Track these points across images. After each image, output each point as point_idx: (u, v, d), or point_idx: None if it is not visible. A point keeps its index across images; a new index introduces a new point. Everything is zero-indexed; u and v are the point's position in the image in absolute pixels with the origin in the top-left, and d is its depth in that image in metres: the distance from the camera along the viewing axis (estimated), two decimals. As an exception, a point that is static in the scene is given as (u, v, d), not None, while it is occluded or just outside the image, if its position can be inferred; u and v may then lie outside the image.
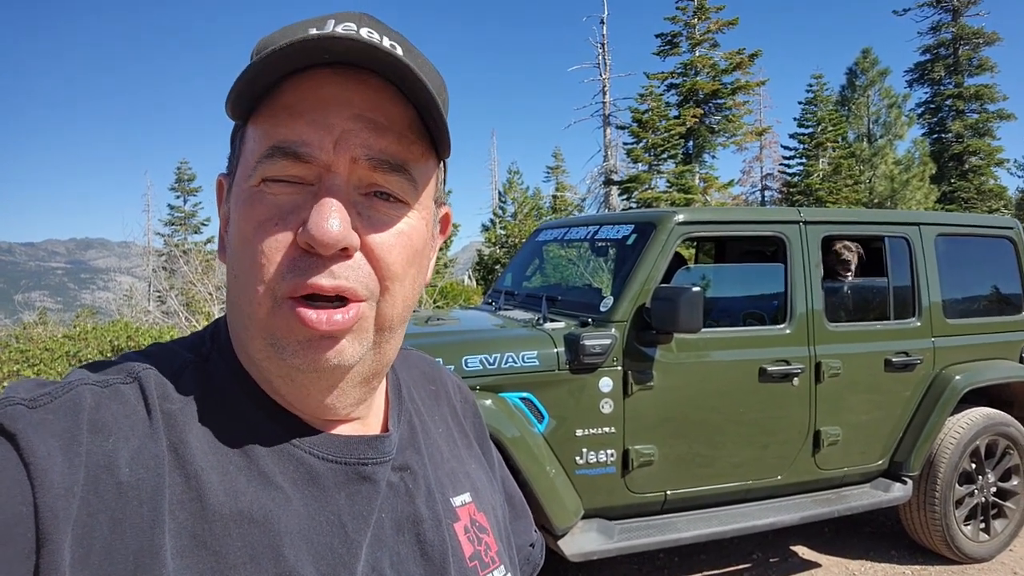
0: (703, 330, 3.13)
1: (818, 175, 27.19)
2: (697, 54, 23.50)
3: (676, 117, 21.89)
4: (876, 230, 3.90)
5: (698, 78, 23.06)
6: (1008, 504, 3.98)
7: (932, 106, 31.08)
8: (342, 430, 0.63)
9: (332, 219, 0.52)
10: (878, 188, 26.42)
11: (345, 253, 0.54)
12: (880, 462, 3.77)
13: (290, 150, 0.54)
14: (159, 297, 24.06)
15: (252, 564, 0.51)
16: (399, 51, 0.55)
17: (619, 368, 3.14)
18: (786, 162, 30.65)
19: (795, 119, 29.74)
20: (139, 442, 0.51)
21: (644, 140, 20.45)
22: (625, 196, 20.45)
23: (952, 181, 28.80)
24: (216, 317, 0.73)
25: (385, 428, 0.67)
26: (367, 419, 0.66)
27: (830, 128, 27.68)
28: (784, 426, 3.49)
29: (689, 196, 19.67)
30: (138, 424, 0.52)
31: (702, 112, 22.67)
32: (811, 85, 29.36)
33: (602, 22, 22.31)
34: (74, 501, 0.46)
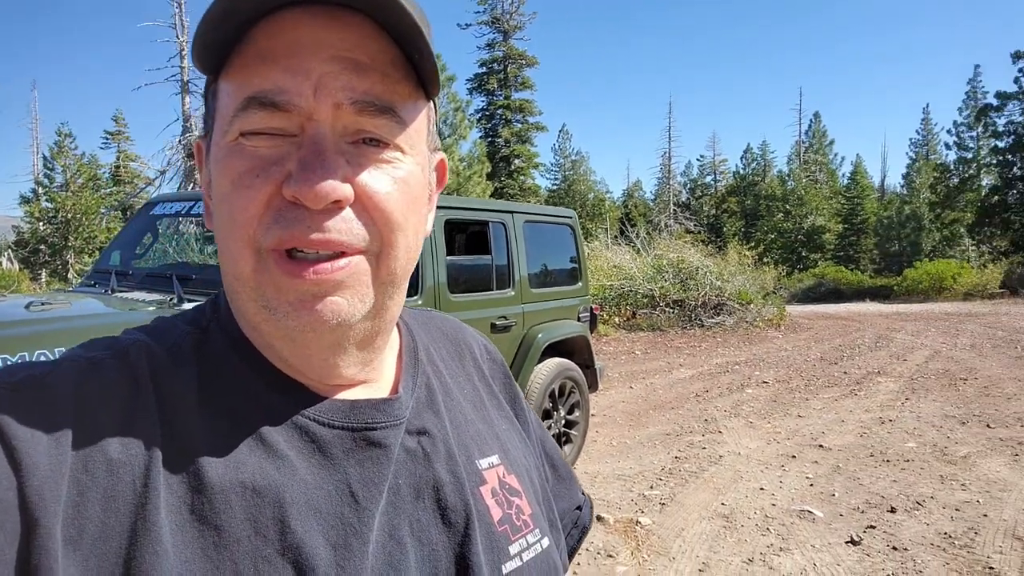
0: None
1: (398, 166, 29.32)
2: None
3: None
4: (484, 216, 4.63)
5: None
6: (573, 432, 5.15)
7: (487, 113, 36.36)
8: (348, 395, 0.60)
9: (320, 169, 0.49)
10: (448, 182, 29.77)
11: (337, 205, 0.51)
12: (488, 410, 4.49)
13: (267, 100, 0.50)
14: None
15: (257, 537, 0.49)
16: None
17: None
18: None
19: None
20: (129, 417, 0.49)
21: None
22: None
23: (502, 179, 34.20)
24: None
25: (396, 391, 0.64)
26: (377, 382, 0.63)
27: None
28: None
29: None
30: (127, 399, 0.50)
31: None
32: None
33: (178, -22, 20.22)
34: (63, 482, 0.45)
